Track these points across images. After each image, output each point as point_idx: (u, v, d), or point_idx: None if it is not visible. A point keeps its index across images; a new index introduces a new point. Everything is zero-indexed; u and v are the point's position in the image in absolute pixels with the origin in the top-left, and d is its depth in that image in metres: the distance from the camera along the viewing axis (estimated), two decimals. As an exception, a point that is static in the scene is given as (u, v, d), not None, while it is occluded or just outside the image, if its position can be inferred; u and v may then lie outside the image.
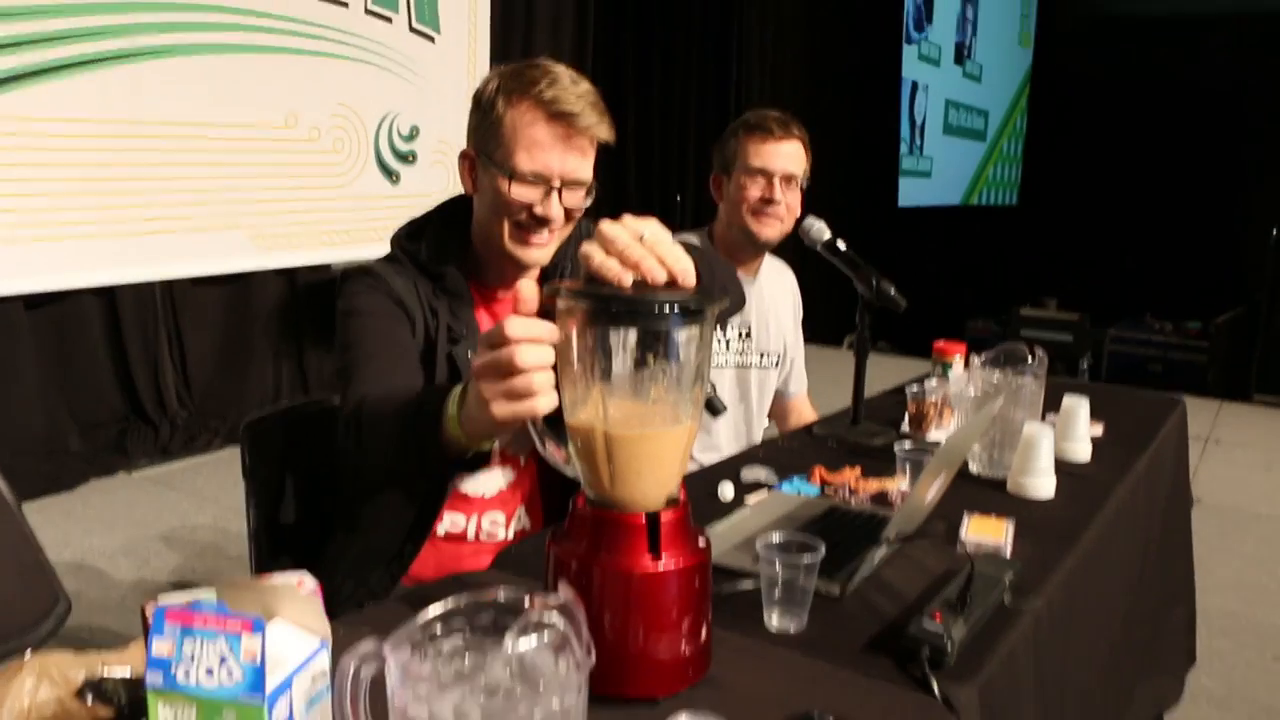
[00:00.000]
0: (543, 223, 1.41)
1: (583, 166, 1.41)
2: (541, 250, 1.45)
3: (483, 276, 1.53)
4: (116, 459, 4.02)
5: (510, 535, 1.57)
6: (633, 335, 0.88)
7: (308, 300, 4.77)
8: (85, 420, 4.03)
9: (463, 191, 1.54)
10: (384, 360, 1.39)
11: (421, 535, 1.47)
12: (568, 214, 1.43)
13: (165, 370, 4.26)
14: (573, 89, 1.37)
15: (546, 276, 1.53)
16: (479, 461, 1.28)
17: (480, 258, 1.52)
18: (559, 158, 1.38)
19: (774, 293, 2.33)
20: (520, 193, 1.39)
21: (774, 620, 1.09)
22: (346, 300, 1.46)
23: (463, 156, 1.49)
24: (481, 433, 1.14)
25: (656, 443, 0.91)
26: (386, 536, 1.47)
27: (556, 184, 1.39)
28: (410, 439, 1.22)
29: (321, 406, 1.71)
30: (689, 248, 0.95)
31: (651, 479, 0.92)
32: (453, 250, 1.50)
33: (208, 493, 3.83)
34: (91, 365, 4.05)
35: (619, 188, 7.09)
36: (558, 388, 0.93)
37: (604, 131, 1.40)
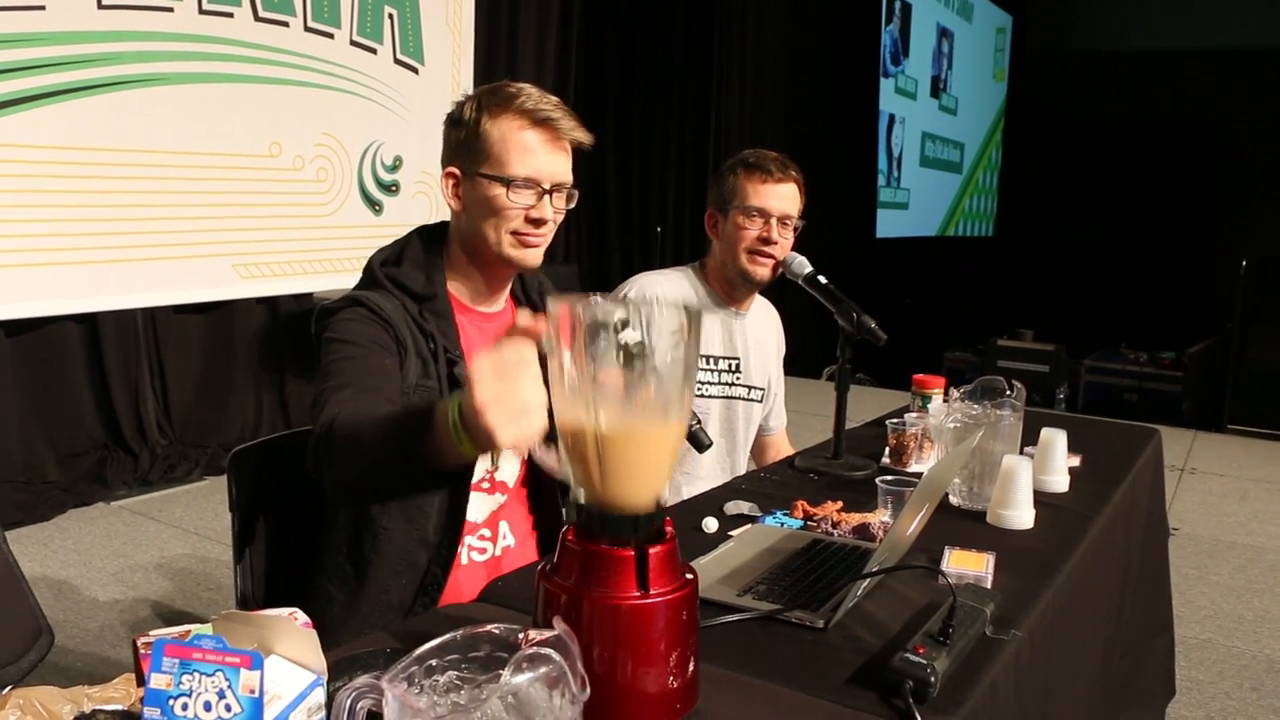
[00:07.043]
0: (538, 224, 1.51)
1: (567, 169, 1.53)
2: (537, 251, 1.55)
3: (464, 296, 1.59)
4: (95, 488, 3.98)
5: (499, 552, 1.61)
6: (621, 339, 0.91)
7: (290, 329, 4.76)
8: (64, 449, 3.99)
9: (444, 218, 1.61)
10: (362, 385, 1.37)
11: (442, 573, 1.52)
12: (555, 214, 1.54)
13: (146, 399, 4.23)
14: (546, 99, 1.51)
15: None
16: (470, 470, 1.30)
17: (466, 275, 1.58)
18: (547, 161, 1.50)
19: (761, 329, 2.35)
20: (518, 198, 1.48)
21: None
22: (335, 328, 1.45)
23: (447, 175, 1.54)
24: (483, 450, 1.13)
25: (646, 442, 0.93)
26: (404, 588, 1.51)
27: (548, 186, 1.50)
28: (394, 448, 1.18)
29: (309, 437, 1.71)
30: None
31: (641, 478, 0.94)
32: (438, 272, 1.56)
33: (187, 523, 3.80)
34: (71, 393, 4.02)
35: (599, 220, 7.13)
36: (549, 390, 0.95)
37: (583, 135, 1.53)
